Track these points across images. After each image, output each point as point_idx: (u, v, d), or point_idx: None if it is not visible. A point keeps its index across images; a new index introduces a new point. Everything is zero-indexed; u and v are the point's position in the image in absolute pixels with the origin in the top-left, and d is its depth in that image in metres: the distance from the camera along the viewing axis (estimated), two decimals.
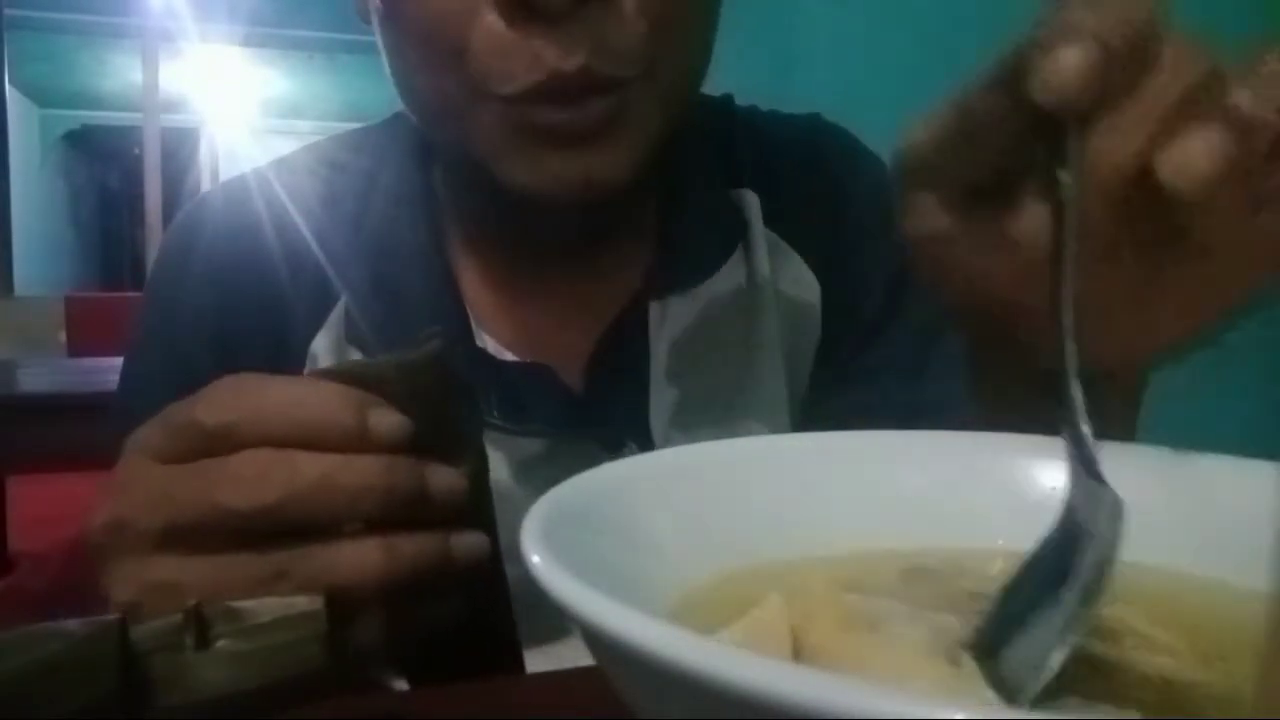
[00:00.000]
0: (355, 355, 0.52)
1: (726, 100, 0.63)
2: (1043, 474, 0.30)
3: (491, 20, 0.40)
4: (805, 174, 0.60)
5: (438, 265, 0.53)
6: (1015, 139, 0.28)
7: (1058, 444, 0.28)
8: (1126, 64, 0.26)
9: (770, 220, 0.58)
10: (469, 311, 0.54)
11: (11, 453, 2.02)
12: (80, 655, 0.28)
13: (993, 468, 0.31)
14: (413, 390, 0.34)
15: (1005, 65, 0.27)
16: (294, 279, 0.54)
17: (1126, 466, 0.27)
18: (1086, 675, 0.22)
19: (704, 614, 0.24)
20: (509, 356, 0.54)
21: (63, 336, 4.78)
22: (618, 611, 0.16)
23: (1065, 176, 0.27)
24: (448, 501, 0.33)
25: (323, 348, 0.53)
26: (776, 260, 0.58)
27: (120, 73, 7.61)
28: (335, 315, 0.53)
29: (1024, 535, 0.28)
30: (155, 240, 6.81)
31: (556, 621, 0.43)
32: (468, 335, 0.53)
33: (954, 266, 0.32)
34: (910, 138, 0.31)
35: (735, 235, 0.57)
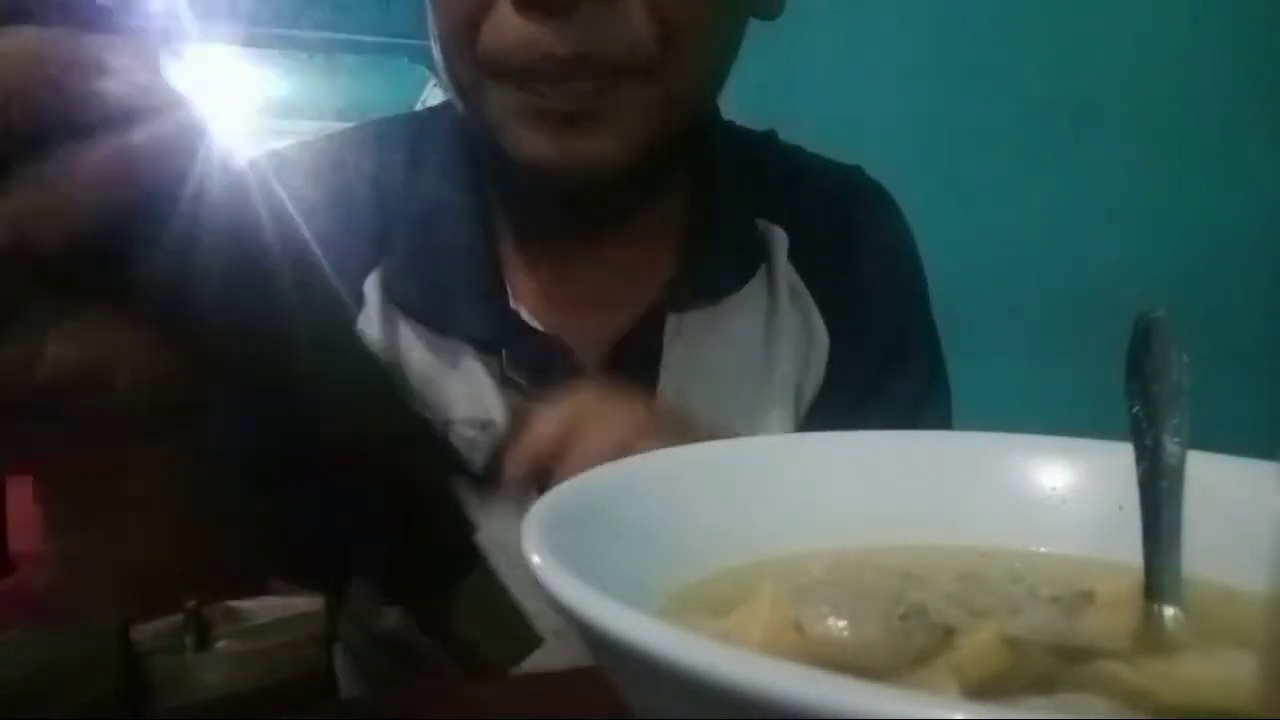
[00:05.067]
0: (393, 308, 0.55)
1: (769, 135, 0.65)
2: (1043, 474, 0.30)
3: (505, 9, 0.46)
4: (835, 220, 0.62)
5: (479, 234, 0.56)
6: None
7: (1057, 444, 0.28)
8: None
9: (794, 257, 0.59)
10: (505, 281, 0.56)
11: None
12: (80, 656, 0.28)
13: (993, 468, 0.31)
14: None
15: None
16: (349, 228, 0.56)
17: (1126, 467, 0.27)
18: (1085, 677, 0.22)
19: (703, 614, 0.24)
20: (538, 325, 0.56)
21: None
22: (618, 611, 0.16)
23: None
24: None
25: (371, 288, 0.55)
26: (798, 303, 0.59)
27: None
28: (383, 267, 0.56)
29: (1024, 535, 0.28)
30: None
31: None
32: (503, 295, 0.56)
33: None
34: None
35: (756, 261, 0.59)
